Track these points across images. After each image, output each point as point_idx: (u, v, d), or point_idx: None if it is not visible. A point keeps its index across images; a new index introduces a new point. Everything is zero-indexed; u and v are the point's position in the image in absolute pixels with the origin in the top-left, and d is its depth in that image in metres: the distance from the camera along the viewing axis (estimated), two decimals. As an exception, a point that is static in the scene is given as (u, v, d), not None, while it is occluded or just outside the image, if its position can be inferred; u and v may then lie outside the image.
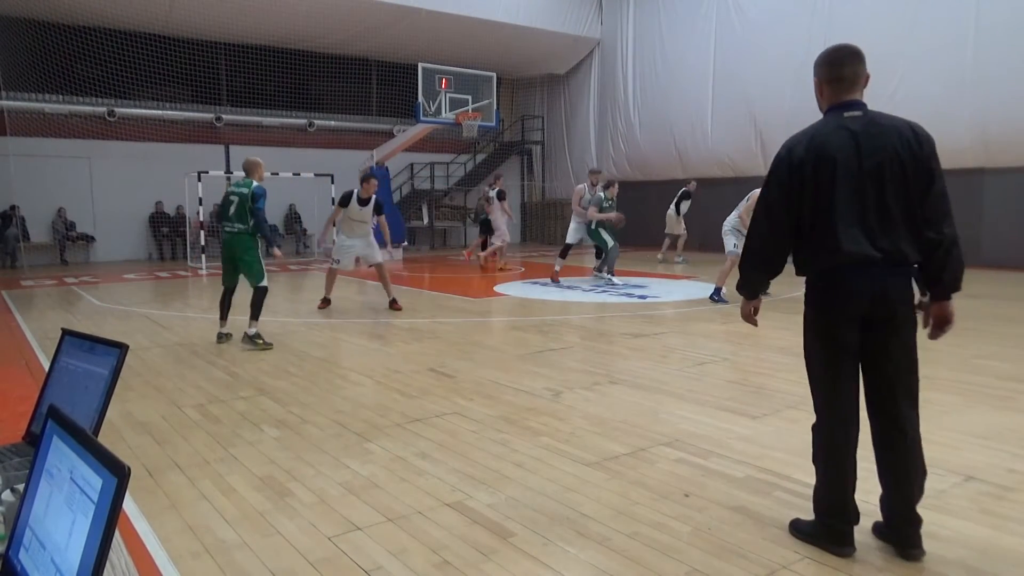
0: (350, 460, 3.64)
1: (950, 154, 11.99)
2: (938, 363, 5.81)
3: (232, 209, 6.62)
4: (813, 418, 2.74)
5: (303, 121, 18.40)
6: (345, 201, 8.56)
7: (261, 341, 6.54)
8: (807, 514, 2.78)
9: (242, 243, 6.61)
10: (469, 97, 16.37)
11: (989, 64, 12.38)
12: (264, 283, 6.66)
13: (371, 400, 4.79)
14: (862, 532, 2.67)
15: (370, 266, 9.19)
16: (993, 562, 2.55)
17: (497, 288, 10.87)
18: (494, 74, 16.89)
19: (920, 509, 2.59)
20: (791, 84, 14.94)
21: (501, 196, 13.47)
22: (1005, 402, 4.60)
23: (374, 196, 8.56)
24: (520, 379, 5.31)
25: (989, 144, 12.64)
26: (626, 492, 3.20)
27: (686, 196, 14.86)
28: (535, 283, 11.45)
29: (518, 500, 3.12)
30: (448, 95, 15.97)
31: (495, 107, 16.84)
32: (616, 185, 11.49)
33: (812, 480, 3.32)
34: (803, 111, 14.13)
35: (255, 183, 6.64)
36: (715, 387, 5.07)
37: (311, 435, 4.06)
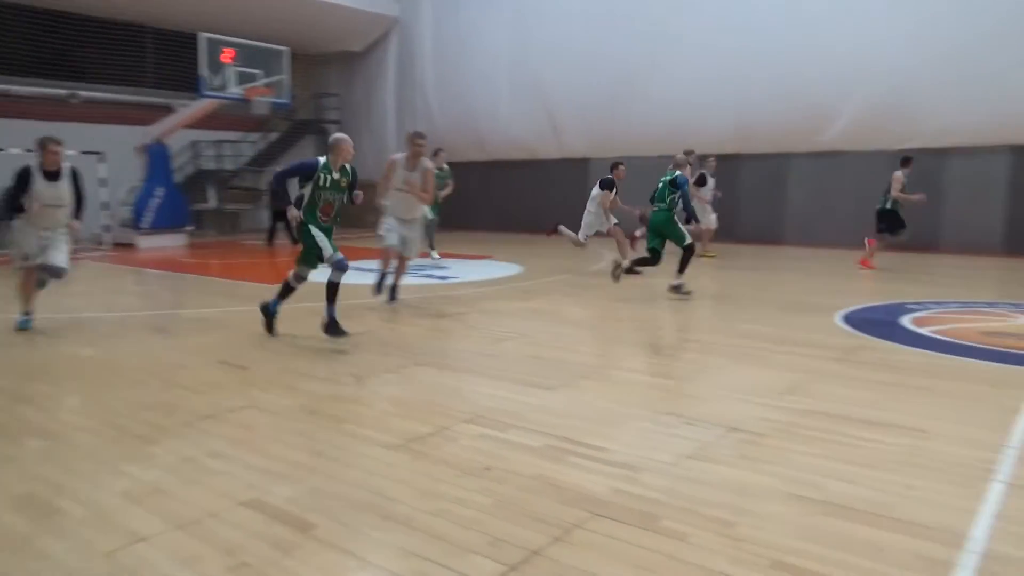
0: (130, 466, 3.33)
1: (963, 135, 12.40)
2: (714, 330, 6.54)
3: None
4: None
5: (64, 92, 16.28)
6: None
7: (684, 290, 7.77)
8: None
9: (665, 218, 7.99)
10: (260, 72, 15.42)
11: (992, 63, 11.91)
12: (689, 240, 7.97)
13: (154, 399, 4.41)
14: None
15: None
16: (749, 499, 2.90)
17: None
18: (286, 48, 16.04)
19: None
20: (582, 72, 15.78)
21: (701, 181, 11.63)
22: (760, 360, 5.25)
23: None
24: (320, 366, 5.17)
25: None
26: (430, 471, 3.24)
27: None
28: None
29: (320, 490, 3.04)
30: (236, 69, 14.92)
31: (288, 83, 16.04)
32: (443, 152, 11.91)
33: (604, 443, 3.58)
34: (594, 100, 14.86)
35: (679, 174, 7.98)
36: (513, 362, 5.27)
37: (83, 443, 3.66)
